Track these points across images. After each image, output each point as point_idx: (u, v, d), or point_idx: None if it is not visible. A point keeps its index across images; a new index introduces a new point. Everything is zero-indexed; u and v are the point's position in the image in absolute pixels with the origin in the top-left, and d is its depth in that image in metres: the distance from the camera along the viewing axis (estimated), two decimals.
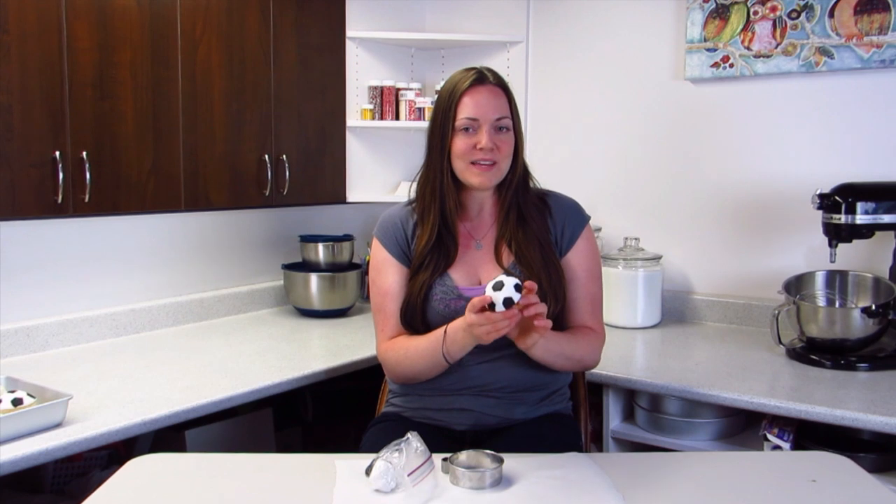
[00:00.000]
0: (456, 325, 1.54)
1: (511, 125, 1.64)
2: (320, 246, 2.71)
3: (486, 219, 1.73)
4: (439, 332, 1.58)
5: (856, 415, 1.70)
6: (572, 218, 1.72)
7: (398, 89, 2.84)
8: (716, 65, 2.50)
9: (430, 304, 1.65)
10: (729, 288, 2.58)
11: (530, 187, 1.73)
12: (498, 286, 1.43)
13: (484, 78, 1.63)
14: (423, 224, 1.69)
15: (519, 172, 1.68)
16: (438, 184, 1.66)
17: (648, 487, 1.34)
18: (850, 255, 2.25)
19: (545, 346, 1.55)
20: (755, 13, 2.42)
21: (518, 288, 1.42)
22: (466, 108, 1.61)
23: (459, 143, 1.62)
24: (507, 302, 1.42)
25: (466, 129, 1.61)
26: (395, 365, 1.68)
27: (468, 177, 1.63)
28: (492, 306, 1.43)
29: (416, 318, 1.65)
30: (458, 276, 1.67)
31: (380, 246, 1.74)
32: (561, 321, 1.68)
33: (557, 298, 1.63)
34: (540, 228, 1.67)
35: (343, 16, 2.68)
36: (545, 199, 1.73)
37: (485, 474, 1.32)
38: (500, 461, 1.35)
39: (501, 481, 1.33)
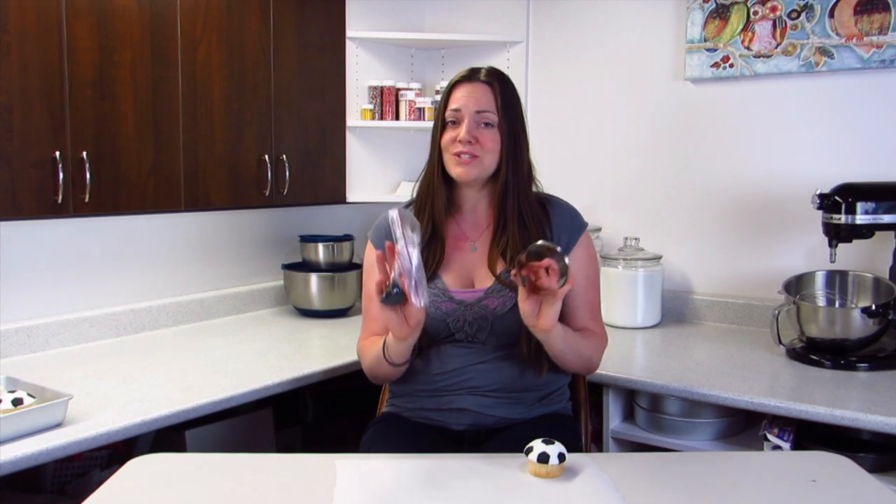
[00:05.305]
0: None
1: (496, 121, 1.62)
2: (320, 246, 2.71)
3: (480, 219, 1.72)
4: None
5: (856, 415, 1.70)
6: (570, 224, 1.70)
7: (398, 89, 2.84)
8: (716, 65, 2.50)
9: None
10: (729, 288, 2.58)
11: (533, 192, 1.70)
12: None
13: (474, 74, 1.65)
14: None
15: (521, 174, 1.65)
16: (432, 178, 1.69)
17: (648, 487, 1.34)
18: (850, 255, 2.25)
19: (562, 333, 1.54)
20: (755, 13, 2.42)
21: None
22: (453, 101, 1.64)
23: (445, 135, 1.65)
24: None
25: (453, 122, 1.64)
26: (361, 360, 1.73)
27: (451, 168, 1.65)
28: None
29: None
30: (449, 278, 1.66)
31: (371, 248, 1.76)
32: None
33: None
34: (537, 237, 1.63)
35: (343, 16, 2.68)
36: (545, 206, 1.72)
37: None
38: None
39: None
